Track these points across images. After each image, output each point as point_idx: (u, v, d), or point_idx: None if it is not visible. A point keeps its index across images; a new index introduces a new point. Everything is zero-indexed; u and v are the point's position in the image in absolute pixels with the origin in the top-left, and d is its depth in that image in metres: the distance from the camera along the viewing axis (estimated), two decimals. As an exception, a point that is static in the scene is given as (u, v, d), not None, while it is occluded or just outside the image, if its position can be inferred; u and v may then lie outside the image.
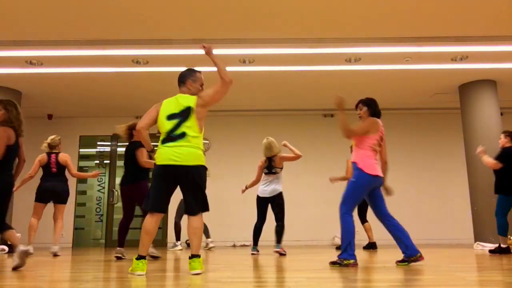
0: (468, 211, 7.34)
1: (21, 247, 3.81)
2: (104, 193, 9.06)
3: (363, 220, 6.72)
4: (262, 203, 5.87)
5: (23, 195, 7.01)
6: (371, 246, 6.70)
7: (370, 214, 6.79)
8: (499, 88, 7.36)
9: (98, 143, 9.34)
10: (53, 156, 6.02)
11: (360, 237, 6.81)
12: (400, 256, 4.07)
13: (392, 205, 6.80)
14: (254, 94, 7.94)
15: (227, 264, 4.30)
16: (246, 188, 6.29)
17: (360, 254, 5.30)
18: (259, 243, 5.96)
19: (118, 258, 5.15)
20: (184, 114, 3.47)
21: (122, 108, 8.64)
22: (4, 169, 3.98)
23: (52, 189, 5.93)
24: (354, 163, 4.02)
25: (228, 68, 7.04)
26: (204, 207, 3.43)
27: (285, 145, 5.98)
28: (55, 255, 5.74)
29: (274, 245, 5.71)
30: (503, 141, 5.61)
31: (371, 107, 4.15)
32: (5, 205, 4.01)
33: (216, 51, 5.92)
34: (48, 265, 4.42)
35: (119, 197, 8.94)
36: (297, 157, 5.94)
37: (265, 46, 5.93)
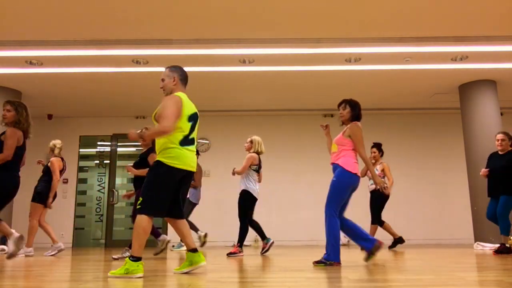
0: (468, 211, 7.35)
1: (16, 234, 4.00)
2: (104, 193, 9.06)
3: (380, 222, 6.72)
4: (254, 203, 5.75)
5: (23, 195, 7.00)
6: (398, 242, 6.72)
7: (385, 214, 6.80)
8: (499, 88, 7.36)
9: (98, 143, 9.34)
10: (64, 162, 6.14)
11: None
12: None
13: (392, 205, 6.87)
14: (254, 94, 7.94)
15: (227, 264, 4.30)
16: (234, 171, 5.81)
17: (361, 254, 5.30)
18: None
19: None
20: (196, 119, 3.52)
21: (122, 108, 8.64)
22: (11, 169, 4.03)
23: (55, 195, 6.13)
24: (338, 165, 4.04)
25: (228, 68, 7.05)
26: None
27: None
28: (60, 250, 5.94)
29: (237, 245, 5.64)
30: (506, 143, 5.64)
31: (355, 109, 4.18)
32: (4, 205, 4.04)
33: (216, 51, 5.99)
34: (48, 265, 4.42)
35: (119, 197, 8.95)
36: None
37: (265, 46, 5.93)
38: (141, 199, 3.24)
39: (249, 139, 5.86)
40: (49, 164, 6.00)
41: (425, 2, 4.91)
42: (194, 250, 3.46)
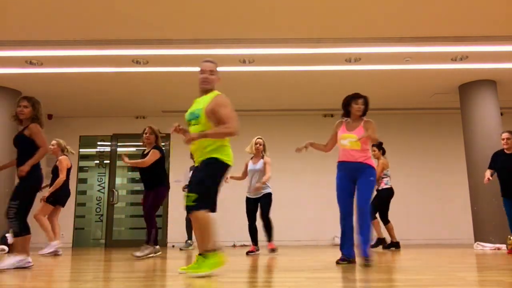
0: (468, 211, 7.35)
1: (29, 260, 4.01)
2: (104, 193, 9.06)
3: (386, 220, 6.73)
4: None
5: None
6: (393, 245, 6.70)
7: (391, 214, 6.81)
8: (499, 88, 7.36)
9: (98, 143, 9.34)
10: (69, 160, 6.18)
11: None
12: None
13: (392, 205, 6.86)
14: (254, 94, 7.94)
15: (227, 264, 4.29)
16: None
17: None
18: (260, 243, 6.03)
19: None
20: None
21: (122, 108, 8.64)
22: (39, 165, 4.12)
23: (69, 193, 6.19)
24: (370, 165, 4.06)
25: (228, 68, 7.06)
26: None
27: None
28: (56, 254, 5.88)
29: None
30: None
31: (367, 106, 4.30)
32: (33, 200, 4.12)
33: (216, 51, 5.98)
34: (48, 265, 4.42)
35: (119, 197, 8.95)
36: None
37: (265, 46, 5.93)
38: (195, 195, 3.19)
39: (261, 141, 5.97)
40: (57, 163, 6.01)
41: (425, 2, 4.91)
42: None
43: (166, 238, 8.62)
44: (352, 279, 2.96)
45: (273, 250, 5.81)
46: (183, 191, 7.14)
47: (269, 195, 5.89)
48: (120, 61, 6.36)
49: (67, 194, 6.13)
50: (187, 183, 8.45)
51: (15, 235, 3.95)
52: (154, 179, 5.36)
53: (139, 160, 5.28)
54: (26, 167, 3.94)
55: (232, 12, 5.09)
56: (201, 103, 3.44)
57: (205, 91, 3.53)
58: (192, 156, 7.17)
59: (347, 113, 4.29)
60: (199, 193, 3.21)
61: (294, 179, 8.84)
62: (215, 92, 3.52)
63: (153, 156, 5.29)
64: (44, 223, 5.82)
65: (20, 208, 3.95)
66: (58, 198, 5.97)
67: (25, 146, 4.07)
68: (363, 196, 3.99)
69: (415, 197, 8.74)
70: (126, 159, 5.16)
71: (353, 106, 4.22)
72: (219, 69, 3.65)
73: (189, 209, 3.22)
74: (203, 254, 3.23)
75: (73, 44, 5.75)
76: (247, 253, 5.76)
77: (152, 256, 5.31)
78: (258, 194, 5.86)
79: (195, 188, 3.25)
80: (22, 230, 4.00)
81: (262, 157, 5.94)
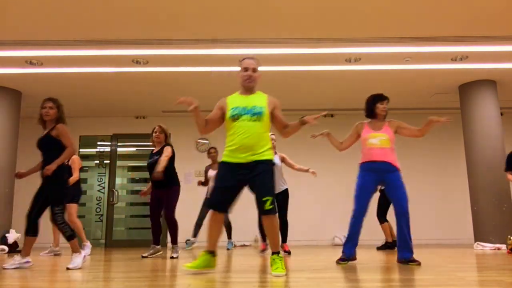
0: (468, 211, 7.35)
1: (29, 260, 4.13)
2: (104, 193, 9.06)
3: (383, 219, 6.73)
4: None
5: (27, 196, 6.99)
6: (389, 246, 6.67)
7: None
8: (499, 88, 7.36)
9: (98, 143, 9.34)
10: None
11: (375, 236, 6.84)
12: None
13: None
14: (254, 94, 7.94)
15: (227, 264, 4.30)
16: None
17: (361, 254, 5.31)
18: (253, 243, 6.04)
19: None
20: None
21: (122, 108, 8.64)
22: (62, 164, 4.16)
23: None
24: (398, 169, 4.07)
25: (228, 68, 7.05)
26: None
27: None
28: (56, 254, 5.91)
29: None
30: None
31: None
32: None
33: (216, 51, 5.98)
34: (48, 265, 4.42)
35: (119, 197, 8.95)
36: None
37: (265, 46, 5.93)
38: (270, 198, 3.23)
39: (274, 137, 5.94)
40: (70, 162, 6.00)
41: (425, 2, 4.91)
42: (213, 253, 3.49)
43: (166, 238, 8.61)
44: (352, 279, 2.96)
45: (289, 252, 5.74)
46: (199, 185, 7.13)
47: (286, 192, 5.87)
48: (120, 61, 6.36)
49: (79, 194, 6.15)
50: (189, 183, 8.50)
51: (69, 238, 4.02)
52: (166, 177, 5.25)
53: (161, 164, 5.09)
54: (53, 166, 3.99)
55: (232, 12, 5.09)
56: (257, 101, 3.52)
57: (249, 89, 3.56)
58: (211, 156, 7.21)
59: (370, 113, 4.31)
60: (272, 196, 3.27)
61: (294, 179, 8.83)
62: (263, 93, 3.59)
63: (168, 151, 5.26)
64: (78, 224, 5.82)
65: (63, 211, 4.09)
66: (77, 196, 5.98)
67: (51, 147, 4.13)
68: (404, 199, 4.01)
69: (415, 197, 8.67)
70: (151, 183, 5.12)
71: (379, 106, 4.28)
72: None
73: (268, 212, 3.23)
74: (275, 254, 3.32)
75: (73, 44, 5.75)
76: (262, 251, 5.77)
77: (153, 256, 5.33)
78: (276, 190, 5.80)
79: (271, 191, 3.27)
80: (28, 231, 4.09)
81: (276, 153, 5.95)
